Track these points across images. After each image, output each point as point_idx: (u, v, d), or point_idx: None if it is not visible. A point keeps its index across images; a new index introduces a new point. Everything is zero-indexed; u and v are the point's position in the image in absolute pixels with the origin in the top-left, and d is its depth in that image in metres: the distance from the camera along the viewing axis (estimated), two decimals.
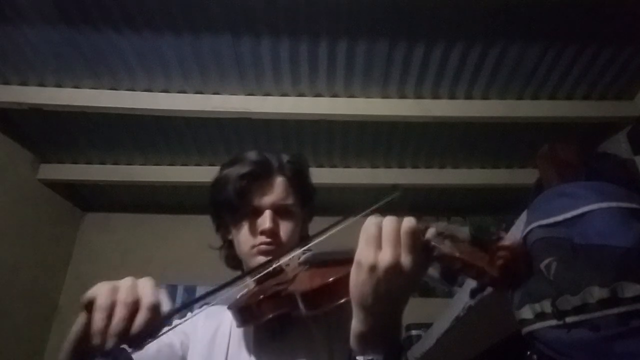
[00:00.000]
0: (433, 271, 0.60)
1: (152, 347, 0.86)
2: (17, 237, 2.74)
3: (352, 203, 3.07)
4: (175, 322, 0.80)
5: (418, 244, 0.57)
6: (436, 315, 1.77)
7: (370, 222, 0.58)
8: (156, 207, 3.39)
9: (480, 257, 0.56)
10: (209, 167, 3.03)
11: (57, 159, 3.00)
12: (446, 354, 1.85)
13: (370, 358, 0.58)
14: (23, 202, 2.81)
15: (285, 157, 0.99)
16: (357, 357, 0.60)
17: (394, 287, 0.56)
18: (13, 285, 2.69)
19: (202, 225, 3.85)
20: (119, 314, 0.56)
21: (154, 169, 3.04)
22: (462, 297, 1.35)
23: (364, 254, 0.57)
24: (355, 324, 0.59)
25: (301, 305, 0.70)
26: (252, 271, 0.83)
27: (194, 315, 0.85)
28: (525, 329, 0.80)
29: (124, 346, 0.56)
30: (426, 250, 0.58)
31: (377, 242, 0.57)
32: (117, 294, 0.58)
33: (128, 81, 2.40)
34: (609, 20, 2.10)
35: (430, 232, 0.58)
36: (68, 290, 3.13)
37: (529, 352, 0.87)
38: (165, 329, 0.61)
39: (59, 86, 2.41)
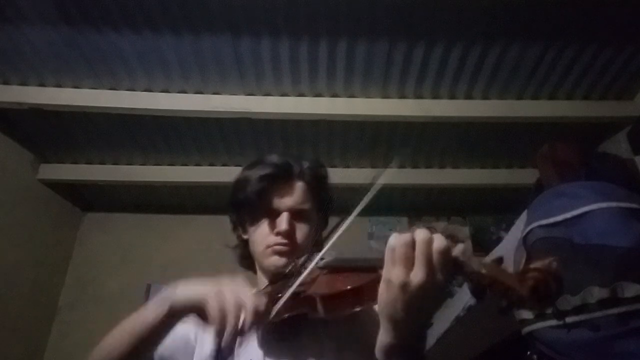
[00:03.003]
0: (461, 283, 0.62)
1: (167, 338, 0.89)
2: (17, 237, 2.74)
3: (352, 203, 3.06)
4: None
5: (449, 262, 0.58)
6: (436, 315, 1.77)
7: (400, 241, 0.59)
8: (156, 207, 3.38)
9: (510, 276, 0.56)
10: (209, 167, 3.02)
11: (57, 159, 3.00)
12: (446, 354, 1.85)
13: None
14: (23, 202, 2.81)
15: (306, 163, 1.02)
16: None
17: (425, 302, 0.58)
18: (13, 285, 2.69)
19: (202, 225, 3.86)
20: (231, 322, 0.67)
21: (154, 169, 3.03)
22: (462, 297, 1.35)
23: (395, 272, 0.58)
24: (384, 336, 0.61)
25: (320, 308, 0.71)
26: (289, 278, 0.85)
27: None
28: (525, 329, 0.80)
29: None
30: (456, 267, 0.59)
31: (408, 261, 0.58)
32: (224, 301, 0.68)
33: (128, 81, 2.40)
34: (609, 20, 2.09)
35: (459, 249, 0.60)
36: (68, 290, 3.12)
37: (529, 352, 0.87)
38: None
39: (59, 86, 2.41)
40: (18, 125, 2.66)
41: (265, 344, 0.87)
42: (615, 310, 0.67)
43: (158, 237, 3.33)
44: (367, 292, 0.65)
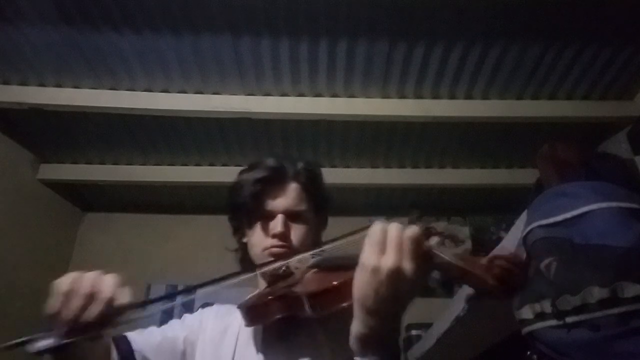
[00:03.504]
0: (437, 275, 0.62)
1: (156, 337, 0.91)
2: (17, 237, 2.74)
3: (352, 203, 3.07)
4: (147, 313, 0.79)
5: (420, 251, 0.59)
6: (436, 315, 1.77)
7: (376, 227, 0.61)
8: (156, 207, 3.38)
9: (479, 266, 0.57)
10: (209, 167, 3.03)
11: (57, 159, 3.00)
12: (446, 354, 1.85)
13: (367, 359, 0.60)
14: (23, 202, 2.81)
15: (300, 164, 1.01)
16: (355, 358, 0.61)
17: (394, 290, 0.58)
18: (13, 285, 2.69)
19: (202, 225, 3.86)
20: (74, 302, 0.62)
21: (154, 169, 3.04)
22: (462, 297, 1.35)
23: (367, 256, 0.59)
24: (356, 325, 0.61)
25: (307, 306, 0.71)
26: (257, 270, 0.84)
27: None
28: (525, 329, 0.80)
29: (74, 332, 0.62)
30: (427, 258, 0.60)
31: (381, 247, 0.59)
32: (78, 284, 0.64)
33: (128, 81, 2.40)
34: (609, 20, 2.09)
35: (433, 241, 0.61)
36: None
37: (529, 352, 0.87)
38: (125, 322, 0.66)
39: (59, 86, 2.41)
40: (18, 125, 2.66)
41: (263, 347, 0.87)
42: (615, 310, 0.67)
43: (158, 237, 3.33)
44: (352, 287, 0.65)
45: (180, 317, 1.03)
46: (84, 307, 0.63)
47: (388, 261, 0.58)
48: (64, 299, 0.63)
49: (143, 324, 0.87)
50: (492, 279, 0.57)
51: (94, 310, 0.63)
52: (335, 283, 0.68)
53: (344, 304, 0.65)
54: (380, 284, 0.57)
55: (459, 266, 0.58)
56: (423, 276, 0.61)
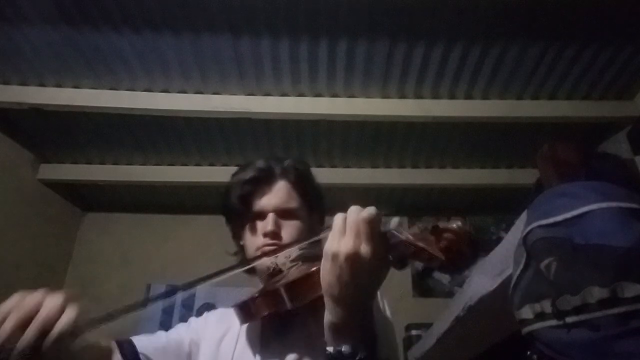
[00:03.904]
0: (392, 254, 0.63)
1: (161, 339, 0.91)
2: (18, 237, 2.74)
3: (352, 203, 3.06)
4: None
5: (376, 232, 0.59)
6: (436, 315, 1.77)
7: (338, 215, 0.62)
8: (156, 207, 3.39)
9: (430, 242, 0.59)
10: (209, 167, 3.03)
11: (57, 159, 3.00)
12: (446, 354, 1.85)
13: (338, 348, 0.59)
14: (23, 202, 2.81)
15: (287, 162, 1.02)
16: (327, 348, 0.61)
17: (356, 274, 0.58)
18: (13, 285, 2.66)
19: (202, 225, 3.86)
20: (7, 324, 0.59)
21: (154, 169, 3.04)
22: (462, 297, 1.35)
23: (329, 243, 0.60)
24: (326, 315, 0.62)
25: (286, 299, 0.71)
26: (236, 266, 0.84)
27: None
28: (525, 329, 0.80)
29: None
30: (384, 238, 0.60)
31: (340, 232, 0.60)
32: (20, 304, 0.61)
33: (128, 81, 2.40)
34: (609, 20, 2.09)
35: (393, 222, 0.61)
36: (68, 290, 3.12)
37: (529, 352, 0.87)
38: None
39: (59, 86, 2.41)
40: (18, 125, 2.66)
41: (261, 347, 0.87)
42: (615, 310, 0.67)
43: (158, 237, 3.33)
44: None
45: (179, 318, 1.04)
46: (22, 329, 0.59)
47: (346, 245, 0.58)
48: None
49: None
50: (439, 252, 0.58)
51: (27, 336, 0.59)
52: (308, 272, 0.68)
53: (320, 293, 0.65)
54: (340, 269, 0.58)
55: (412, 243, 0.59)
56: (383, 258, 0.61)
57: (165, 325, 2.35)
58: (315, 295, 0.66)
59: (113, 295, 3.02)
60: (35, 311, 0.61)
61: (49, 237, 3.05)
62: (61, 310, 0.62)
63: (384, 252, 0.61)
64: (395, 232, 0.60)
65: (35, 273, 2.86)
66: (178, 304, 3.11)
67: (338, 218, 0.61)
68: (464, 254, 0.59)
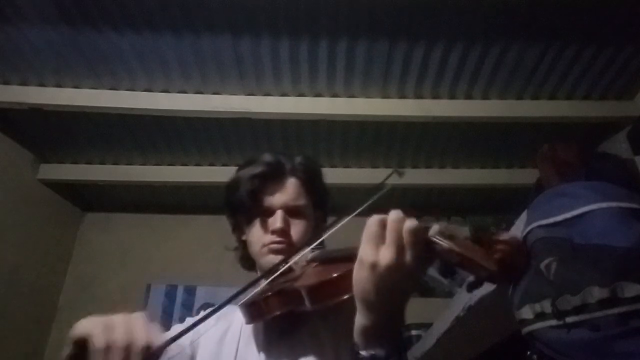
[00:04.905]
0: (432, 270, 0.61)
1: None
2: (17, 237, 2.74)
3: (352, 203, 3.06)
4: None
5: (420, 242, 0.57)
6: (436, 315, 1.77)
7: (373, 220, 0.58)
8: (156, 207, 3.39)
9: (478, 252, 0.57)
10: (209, 167, 3.03)
11: (57, 159, 3.00)
12: (446, 354, 1.85)
13: (372, 352, 0.59)
14: (23, 202, 2.81)
15: (298, 159, 1.00)
16: (360, 352, 0.60)
17: (395, 283, 0.56)
18: (13, 285, 2.69)
19: (202, 225, 3.86)
20: (116, 357, 0.58)
21: (154, 169, 3.04)
22: (462, 297, 1.35)
23: (366, 251, 0.57)
24: (359, 319, 0.60)
25: (306, 300, 0.70)
26: (263, 276, 0.83)
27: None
28: (525, 329, 0.80)
29: None
30: (427, 247, 0.58)
31: (379, 240, 0.57)
32: (112, 335, 0.60)
33: (128, 81, 2.40)
34: (609, 20, 2.09)
35: (433, 230, 0.59)
36: (68, 290, 3.12)
37: (529, 352, 0.87)
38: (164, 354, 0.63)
39: (59, 86, 2.41)
40: (18, 125, 2.66)
41: (265, 345, 0.87)
42: (615, 310, 0.67)
43: (158, 237, 3.33)
44: (352, 279, 0.63)
45: (179, 318, 1.03)
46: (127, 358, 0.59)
47: (387, 256, 0.55)
48: (105, 356, 0.59)
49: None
50: (492, 264, 0.55)
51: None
52: (334, 275, 0.67)
53: (345, 297, 0.64)
54: (380, 278, 0.56)
55: (459, 252, 0.56)
56: (423, 267, 0.60)
57: (165, 326, 2.35)
58: (339, 299, 0.66)
59: (113, 296, 3.02)
60: (132, 341, 0.60)
61: (49, 237, 3.05)
62: (151, 340, 0.61)
63: (426, 260, 0.59)
64: (439, 240, 0.58)
65: (35, 273, 2.86)
66: (178, 304, 3.11)
67: (374, 224, 0.58)
68: (519, 266, 0.57)
